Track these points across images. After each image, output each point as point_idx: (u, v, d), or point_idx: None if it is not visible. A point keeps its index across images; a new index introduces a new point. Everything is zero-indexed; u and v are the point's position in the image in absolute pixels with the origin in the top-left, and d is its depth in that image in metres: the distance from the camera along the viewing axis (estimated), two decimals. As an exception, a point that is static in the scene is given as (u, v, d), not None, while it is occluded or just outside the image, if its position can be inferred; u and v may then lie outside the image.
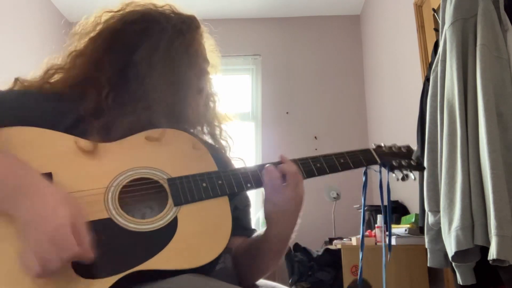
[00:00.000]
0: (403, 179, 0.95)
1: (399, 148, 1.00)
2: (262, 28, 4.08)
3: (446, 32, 1.56)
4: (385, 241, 1.00)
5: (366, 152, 0.95)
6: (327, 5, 3.94)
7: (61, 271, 0.60)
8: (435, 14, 2.26)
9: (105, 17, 0.90)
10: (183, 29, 0.92)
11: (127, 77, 0.86)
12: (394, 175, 0.96)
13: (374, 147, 0.98)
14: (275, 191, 0.79)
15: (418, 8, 2.60)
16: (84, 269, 0.62)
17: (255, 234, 0.92)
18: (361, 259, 1.03)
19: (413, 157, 0.98)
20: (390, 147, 0.99)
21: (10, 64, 3.02)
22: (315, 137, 3.80)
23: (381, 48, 3.47)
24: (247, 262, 0.89)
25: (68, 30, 0.94)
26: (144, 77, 0.85)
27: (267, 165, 0.82)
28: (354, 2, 3.92)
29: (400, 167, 0.96)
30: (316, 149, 3.70)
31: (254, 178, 0.82)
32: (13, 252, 0.61)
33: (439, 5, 1.72)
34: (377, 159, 0.94)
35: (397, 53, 3.07)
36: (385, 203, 1.00)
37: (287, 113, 3.88)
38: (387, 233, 0.99)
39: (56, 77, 0.86)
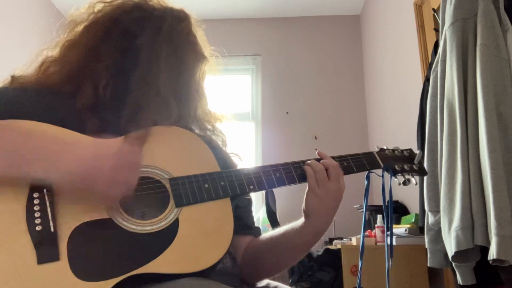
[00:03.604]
0: (404, 183, 0.94)
1: (402, 151, 0.99)
2: (262, 28, 4.08)
3: (446, 32, 1.57)
4: (388, 251, 0.99)
5: (369, 155, 0.94)
6: (327, 5, 3.94)
7: (59, 273, 0.60)
8: (435, 14, 2.26)
9: (99, 6, 0.88)
10: (181, 16, 0.91)
11: (128, 65, 0.83)
12: (396, 179, 0.95)
13: (377, 150, 0.97)
14: (320, 184, 0.82)
15: (418, 8, 2.60)
16: (82, 272, 0.61)
17: (282, 229, 0.89)
18: (361, 268, 1.01)
19: (416, 161, 0.97)
20: (393, 151, 0.98)
21: (8, 63, 3.02)
22: (315, 137, 3.80)
23: (381, 48, 3.47)
24: (263, 260, 0.88)
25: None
26: (149, 62, 0.83)
27: (309, 160, 0.85)
28: (354, 2, 3.92)
29: (402, 171, 0.95)
30: (316, 149, 3.69)
31: (257, 180, 0.81)
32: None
33: (439, 5, 1.72)
34: (380, 163, 0.94)
35: (397, 53, 3.06)
36: (386, 206, 0.98)
37: (287, 113, 3.88)
38: (388, 232, 0.98)
39: (51, 69, 0.83)
